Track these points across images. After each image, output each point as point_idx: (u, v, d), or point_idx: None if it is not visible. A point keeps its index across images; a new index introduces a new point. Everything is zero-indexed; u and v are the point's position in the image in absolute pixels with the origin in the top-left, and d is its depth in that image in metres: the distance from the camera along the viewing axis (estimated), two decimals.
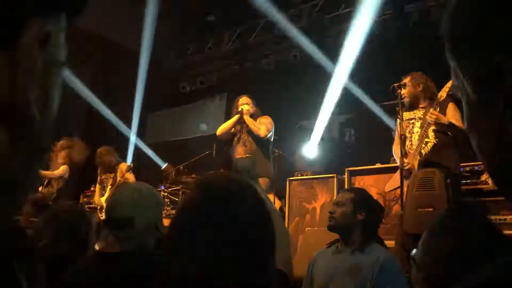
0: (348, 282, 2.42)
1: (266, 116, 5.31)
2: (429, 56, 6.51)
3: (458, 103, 3.64)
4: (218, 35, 9.08)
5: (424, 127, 3.79)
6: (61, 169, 6.29)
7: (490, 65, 0.43)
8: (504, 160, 0.45)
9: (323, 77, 7.89)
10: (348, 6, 7.45)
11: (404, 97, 3.99)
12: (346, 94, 7.37)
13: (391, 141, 5.39)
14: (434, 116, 3.66)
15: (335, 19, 7.65)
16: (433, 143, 3.77)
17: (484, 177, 4.31)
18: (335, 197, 4.15)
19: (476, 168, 4.43)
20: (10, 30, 0.30)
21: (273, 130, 5.26)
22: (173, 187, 7.27)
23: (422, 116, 3.88)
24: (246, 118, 5.15)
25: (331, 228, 2.65)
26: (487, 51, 0.43)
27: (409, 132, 3.94)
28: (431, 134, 3.79)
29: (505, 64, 0.42)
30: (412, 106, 4.01)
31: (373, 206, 2.68)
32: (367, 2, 7.02)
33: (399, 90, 4.06)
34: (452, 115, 3.69)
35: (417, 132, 3.88)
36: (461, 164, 4.18)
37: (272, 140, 5.29)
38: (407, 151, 3.87)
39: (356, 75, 7.20)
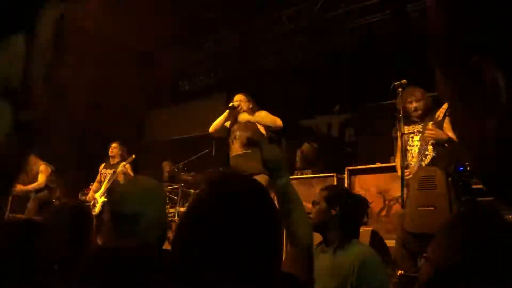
0: (329, 282, 2.41)
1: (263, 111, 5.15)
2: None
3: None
4: (218, 33, 9.06)
5: (423, 141, 3.88)
6: (42, 174, 6.40)
7: (468, 66, 0.43)
8: (488, 158, 0.45)
9: (323, 76, 7.89)
10: (348, 5, 7.44)
11: (417, 110, 4.01)
12: (346, 93, 7.37)
13: (390, 140, 5.40)
14: (433, 134, 3.74)
15: (335, 18, 7.63)
16: (432, 156, 3.85)
17: None
18: None
19: None
20: (30, 9, 0.29)
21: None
22: (172, 185, 7.26)
23: (421, 130, 3.96)
24: (248, 117, 5.04)
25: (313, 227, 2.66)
26: (464, 53, 0.44)
27: (409, 145, 4.01)
28: (429, 147, 3.87)
29: (482, 63, 0.42)
30: (419, 119, 4.03)
31: (348, 201, 2.63)
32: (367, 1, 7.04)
33: (399, 89, 4.07)
34: (449, 129, 3.73)
35: (417, 145, 3.94)
36: (461, 164, 4.18)
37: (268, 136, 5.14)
38: (409, 162, 3.96)
39: (355, 74, 7.20)
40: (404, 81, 4.07)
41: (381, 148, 5.98)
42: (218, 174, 1.11)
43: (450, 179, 3.55)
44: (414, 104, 4.03)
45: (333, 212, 2.55)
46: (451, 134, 3.70)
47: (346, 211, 2.58)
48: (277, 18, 8.26)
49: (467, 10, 0.43)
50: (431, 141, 3.84)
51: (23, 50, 0.29)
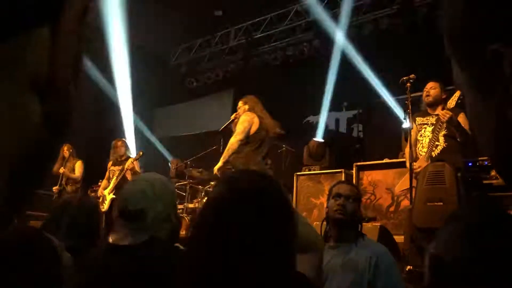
0: (344, 278, 2.40)
1: (244, 114, 4.86)
2: (438, 50, 6.47)
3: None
4: (226, 30, 9.07)
5: (435, 132, 3.86)
6: (79, 167, 6.61)
7: (487, 55, 0.43)
8: (507, 153, 0.44)
9: (330, 72, 7.87)
10: (356, 1, 7.41)
11: (428, 95, 3.98)
12: (353, 89, 7.35)
13: (399, 136, 5.38)
14: (448, 115, 3.69)
15: (341, 13, 7.60)
16: (442, 146, 3.84)
17: (494, 172, 4.29)
18: None
19: (486, 163, 4.41)
20: (55, 2, 0.30)
21: (250, 127, 4.71)
22: (180, 182, 7.29)
23: (434, 122, 3.94)
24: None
25: (341, 221, 2.59)
26: (484, 42, 0.43)
27: (420, 135, 4.00)
28: (441, 138, 3.86)
29: (501, 52, 0.42)
30: (430, 106, 4.01)
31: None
32: None
33: (408, 84, 4.06)
34: (464, 124, 3.73)
35: (428, 136, 3.93)
36: (471, 159, 4.17)
37: (257, 137, 4.75)
38: (418, 153, 3.95)
39: (363, 70, 7.17)
40: (412, 76, 4.05)
41: (389, 144, 5.96)
42: (233, 173, 1.12)
43: (459, 174, 3.53)
44: (430, 92, 4.01)
45: (360, 211, 2.58)
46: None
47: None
48: (284, 14, 8.25)
49: (483, 4, 0.43)
50: (443, 132, 3.82)
51: (49, 42, 0.30)
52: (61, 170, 6.51)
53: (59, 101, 0.32)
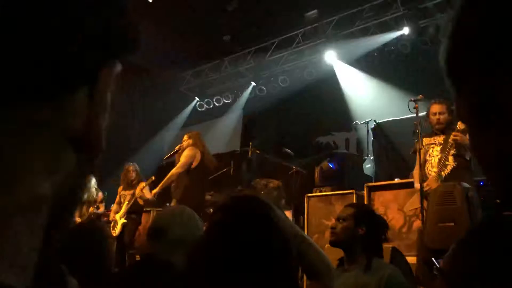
0: None
1: (188, 148, 5.34)
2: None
3: None
4: (234, 54, 9.20)
5: (445, 152, 3.88)
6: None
7: (484, 87, 0.45)
8: (507, 181, 0.46)
9: (339, 94, 7.92)
10: (362, 22, 7.50)
11: (440, 123, 4.01)
12: (362, 109, 7.37)
13: (409, 156, 5.36)
14: (458, 138, 3.73)
15: (349, 35, 7.69)
16: (452, 166, 3.87)
17: None
18: None
19: None
20: (95, 65, 0.34)
21: (192, 162, 5.22)
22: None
23: (442, 141, 3.96)
24: None
25: (332, 243, 2.65)
26: (481, 74, 0.45)
27: (429, 155, 4.03)
28: (450, 158, 3.89)
29: (497, 84, 0.44)
30: (440, 132, 4.04)
31: (374, 221, 2.65)
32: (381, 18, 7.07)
33: (416, 105, 4.09)
34: None
35: (437, 155, 3.96)
36: (482, 178, 4.15)
37: (196, 171, 5.21)
38: (427, 173, 3.97)
39: (372, 90, 7.20)
40: (420, 96, 4.09)
41: (399, 164, 5.94)
42: (229, 198, 1.16)
43: (469, 194, 3.52)
44: (438, 117, 4.03)
45: (361, 231, 2.55)
46: None
47: (372, 230, 2.58)
48: (291, 37, 8.36)
49: (485, 26, 0.45)
50: (452, 152, 3.85)
51: (87, 101, 0.35)
52: (91, 209, 6.53)
53: (91, 153, 0.36)
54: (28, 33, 0.30)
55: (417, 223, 4.67)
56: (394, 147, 6.74)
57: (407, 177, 5.16)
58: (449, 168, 3.84)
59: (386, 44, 7.37)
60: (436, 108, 4.05)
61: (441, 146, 3.94)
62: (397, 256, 3.50)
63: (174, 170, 5.20)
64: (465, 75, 0.48)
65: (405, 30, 7.05)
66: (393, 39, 7.25)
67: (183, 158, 5.23)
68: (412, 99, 4.08)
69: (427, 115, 4.12)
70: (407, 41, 7.10)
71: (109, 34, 0.35)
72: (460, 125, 3.78)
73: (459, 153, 3.83)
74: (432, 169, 3.95)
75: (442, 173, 3.84)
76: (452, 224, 3.41)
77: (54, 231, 0.35)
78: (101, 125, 0.37)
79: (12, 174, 0.31)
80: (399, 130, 6.51)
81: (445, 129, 4.02)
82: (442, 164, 3.85)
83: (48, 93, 0.32)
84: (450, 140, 3.81)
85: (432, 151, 4.01)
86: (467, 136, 3.76)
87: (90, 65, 0.34)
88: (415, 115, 4.17)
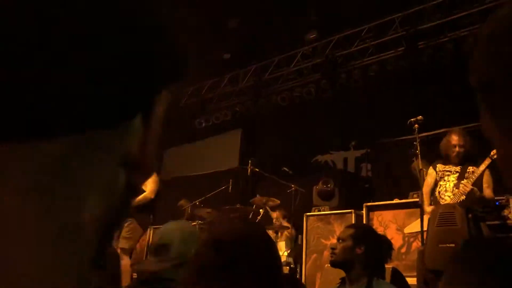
0: None
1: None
2: (443, 91, 6.57)
3: (491, 169, 3.86)
4: (234, 72, 9.26)
5: (463, 183, 3.87)
6: None
7: None
8: None
9: (337, 113, 7.96)
10: (361, 43, 7.58)
11: (459, 156, 4.01)
12: (361, 128, 7.41)
13: (407, 176, 5.37)
14: (468, 189, 3.77)
15: (348, 55, 7.77)
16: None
17: (506, 212, 4.26)
18: None
19: (497, 203, 4.38)
20: (151, 93, 0.37)
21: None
22: (190, 223, 7.26)
23: (459, 170, 3.97)
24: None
25: (332, 264, 2.71)
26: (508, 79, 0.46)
27: (443, 181, 4.02)
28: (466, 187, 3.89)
29: None
30: (458, 164, 4.05)
31: (374, 240, 2.67)
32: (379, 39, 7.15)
33: (415, 126, 4.11)
34: (486, 181, 3.85)
35: (453, 181, 3.94)
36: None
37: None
38: (438, 197, 3.97)
39: (371, 110, 7.25)
40: (420, 117, 4.11)
41: (398, 184, 5.95)
42: (215, 232, 1.19)
43: (470, 215, 3.52)
44: (458, 150, 4.00)
45: (359, 250, 2.56)
46: (486, 185, 3.81)
47: (372, 250, 2.59)
48: (291, 56, 8.43)
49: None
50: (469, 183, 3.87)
51: (142, 130, 0.37)
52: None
53: (141, 177, 0.39)
54: (93, 65, 0.32)
55: (416, 244, 4.67)
56: (393, 167, 6.75)
57: (406, 197, 5.17)
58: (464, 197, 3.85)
59: (384, 64, 7.44)
60: (456, 140, 4.02)
61: (457, 175, 3.95)
62: (398, 277, 3.49)
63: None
64: (500, 95, 0.47)
65: (403, 51, 7.13)
66: (392, 59, 7.32)
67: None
68: (412, 119, 4.11)
69: (446, 143, 4.07)
70: (405, 62, 7.17)
71: (164, 62, 0.38)
72: (481, 168, 3.80)
73: (475, 185, 3.83)
74: (446, 193, 3.94)
75: (459, 198, 3.84)
76: (453, 245, 3.41)
77: (101, 253, 0.37)
78: (154, 150, 0.39)
79: (78, 194, 0.34)
80: (397, 150, 6.53)
81: (463, 160, 4.01)
82: (462, 194, 3.82)
83: (108, 119, 0.34)
84: (461, 188, 3.83)
85: (448, 178, 4.00)
86: (484, 176, 3.79)
87: (147, 93, 0.37)
88: (413, 135, 4.20)
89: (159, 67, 0.37)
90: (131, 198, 0.39)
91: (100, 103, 0.33)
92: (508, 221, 4.23)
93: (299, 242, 6.00)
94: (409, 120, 4.14)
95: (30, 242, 0.31)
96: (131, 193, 0.38)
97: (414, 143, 4.10)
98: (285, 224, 6.08)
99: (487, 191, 3.81)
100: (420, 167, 3.93)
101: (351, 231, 2.68)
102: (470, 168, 3.88)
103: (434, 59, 6.82)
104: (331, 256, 2.67)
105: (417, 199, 4.16)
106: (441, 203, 3.88)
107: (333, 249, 2.68)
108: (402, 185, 5.72)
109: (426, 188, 4.05)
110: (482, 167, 3.76)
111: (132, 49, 0.34)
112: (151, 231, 6.49)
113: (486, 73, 0.49)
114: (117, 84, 0.33)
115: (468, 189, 3.75)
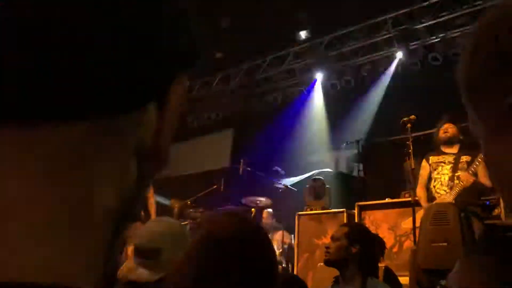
0: None
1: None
2: (435, 91, 6.61)
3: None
4: (226, 71, 9.24)
5: (455, 172, 3.88)
6: None
7: (503, 106, 0.46)
8: None
9: (329, 112, 7.97)
10: (353, 43, 7.60)
11: (447, 132, 4.02)
12: (353, 128, 7.43)
13: (399, 175, 5.39)
14: (471, 181, 3.76)
15: (340, 56, 7.79)
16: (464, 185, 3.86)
17: (497, 211, 4.29)
18: None
19: (488, 203, 4.41)
20: (166, 81, 0.36)
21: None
22: (182, 222, 7.23)
23: (452, 161, 3.95)
24: None
25: (326, 263, 2.71)
26: (499, 94, 0.46)
27: (437, 173, 3.99)
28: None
29: None
30: (446, 144, 4.06)
31: (368, 239, 2.69)
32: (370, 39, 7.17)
33: (408, 125, 4.13)
34: (484, 175, 3.81)
35: (447, 174, 3.92)
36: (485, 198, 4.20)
37: None
38: (433, 192, 3.95)
39: (363, 109, 7.27)
40: (412, 116, 4.13)
41: (390, 184, 5.97)
42: (207, 229, 1.16)
43: (462, 214, 3.54)
44: (449, 131, 4.03)
45: (354, 249, 2.57)
46: (483, 176, 3.76)
47: (366, 249, 2.60)
48: (283, 56, 8.43)
49: (503, 59, 0.46)
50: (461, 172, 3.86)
51: (156, 121, 0.36)
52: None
53: (155, 167, 0.38)
54: (108, 50, 0.31)
55: (408, 243, 4.68)
56: (385, 166, 6.77)
57: (398, 197, 5.18)
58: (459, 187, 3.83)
59: (376, 65, 7.47)
60: (446, 126, 4.05)
61: (451, 165, 3.93)
62: (390, 276, 3.50)
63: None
64: (484, 95, 0.48)
65: (396, 51, 7.18)
66: (384, 59, 7.36)
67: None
68: (405, 119, 4.12)
69: (437, 131, 4.09)
70: (397, 62, 7.20)
71: (178, 49, 0.37)
72: (479, 160, 3.77)
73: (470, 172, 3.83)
74: (441, 187, 3.92)
75: (453, 192, 3.83)
76: (445, 244, 3.42)
77: (115, 246, 0.35)
78: (168, 140, 0.38)
79: (91, 183, 0.33)
80: (389, 150, 6.55)
81: (451, 143, 4.02)
82: (461, 186, 3.81)
83: (123, 105, 0.33)
84: (464, 182, 3.80)
85: (441, 169, 3.97)
86: (480, 172, 3.78)
87: (162, 80, 0.36)
88: (406, 135, 4.21)
89: (173, 53, 0.36)
90: (143, 190, 0.38)
91: (117, 88, 0.32)
92: (497, 221, 4.25)
93: (291, 241, 6.00)
94: (402, 120, 4.15)
95: (39, 228, 0.30)
96: (144, 184, 0.37)
97: (407, 142, 4.11)
98: (276, 224, 6.07)
99: (485, 181, 3.76)
100: (413, 167, 3.94)
101: (345, 230, 2.69)
102: (464, 158, 3.87)
103: (426, 60, 6.86)
104: (325, 255, 2.68)
105: (409, 199, 4.16)
106: (437, 197, 3.88)
107: (327, 248, 2.69)
108: (394, 185, 5.73)
109: (421, 182, 4.04)
110: (480, 159, 3.77)
111: (147, 35, 0.33)
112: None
113: (469, 73, 0.50)
114: (132, 69, 0.32)
115: (471, 181, 3.73)
